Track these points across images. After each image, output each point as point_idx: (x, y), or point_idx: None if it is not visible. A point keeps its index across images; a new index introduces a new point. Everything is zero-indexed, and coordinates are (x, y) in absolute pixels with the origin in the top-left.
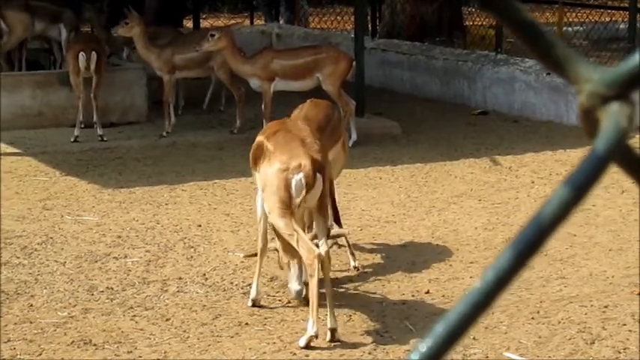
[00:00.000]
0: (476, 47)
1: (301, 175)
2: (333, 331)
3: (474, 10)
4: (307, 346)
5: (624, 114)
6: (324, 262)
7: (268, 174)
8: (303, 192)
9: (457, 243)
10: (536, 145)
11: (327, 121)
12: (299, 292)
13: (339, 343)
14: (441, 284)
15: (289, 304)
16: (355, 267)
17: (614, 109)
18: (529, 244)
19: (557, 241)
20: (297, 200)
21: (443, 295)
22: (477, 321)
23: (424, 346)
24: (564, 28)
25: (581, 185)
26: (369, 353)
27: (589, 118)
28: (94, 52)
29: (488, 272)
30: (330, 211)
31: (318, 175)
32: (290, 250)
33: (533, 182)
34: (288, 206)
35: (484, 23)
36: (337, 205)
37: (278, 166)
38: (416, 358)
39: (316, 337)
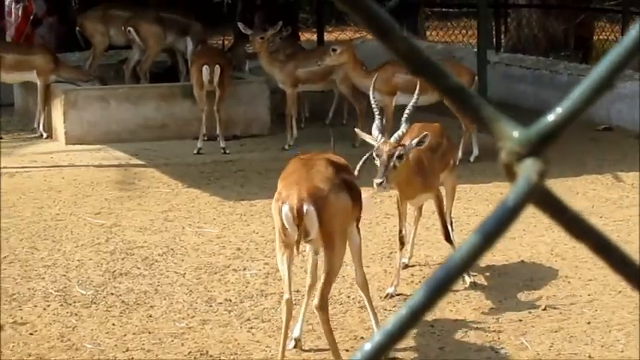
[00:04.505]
0: None
1: (287, 205)
2: None
3: (600, 24)
4: None
5: (535, 170)
6: (289, 308)
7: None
8: (293, 224)
9: (576, 260)
10: None
11: (438, 145)
12: None
13: None
14: (558, 301)
15: None
16: (473, 282)
17: (527, 165)
18: (439, 286)
19: None
20: (291, 232)
21: (560, 313)
22: (391, 349)
23: None
24: None
25: (490, 233)
26: None
27: (509, 172)
28: (217, 66)
29: (403, 308)
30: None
31: (309, 207)
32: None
33: None
34: (284, 239)
35: (610, 38)
36: (449, 223)
37: (275, 196)
38: None
39: None
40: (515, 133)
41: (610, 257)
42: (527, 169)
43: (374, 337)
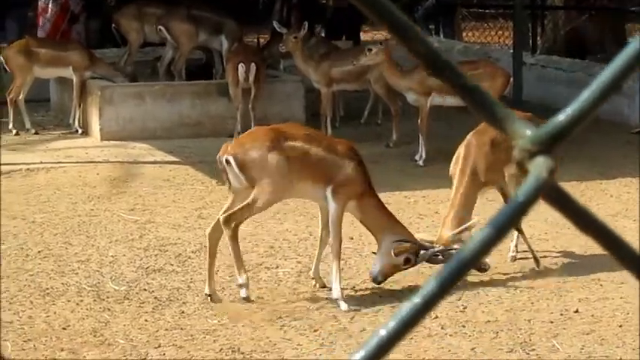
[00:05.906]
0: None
1: (218, 155)
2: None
3: (638, 27)
4: None
5: (546, 167)
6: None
7: None
8: (222, 171)
9: (609, 262)
10: None
11: (503, 139)
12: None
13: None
14: (590, 304)
15: (436, 318)
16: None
17: (537, 162)
18: (451, 276)
19: None
20: (224, 178)
21: (592, 315)
22: (405, 337)
23: (357, 355)
24: None
25: (501, 226)
26: None
27: (522, 168)
28: (253, 64)
29: (416, 297)
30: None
31: (229, 158)
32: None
33: None
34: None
35: None
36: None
37: None
38: None
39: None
40: (528, 132)
41: (618, 251)
42: (538, 166)
43: (388, 324)
